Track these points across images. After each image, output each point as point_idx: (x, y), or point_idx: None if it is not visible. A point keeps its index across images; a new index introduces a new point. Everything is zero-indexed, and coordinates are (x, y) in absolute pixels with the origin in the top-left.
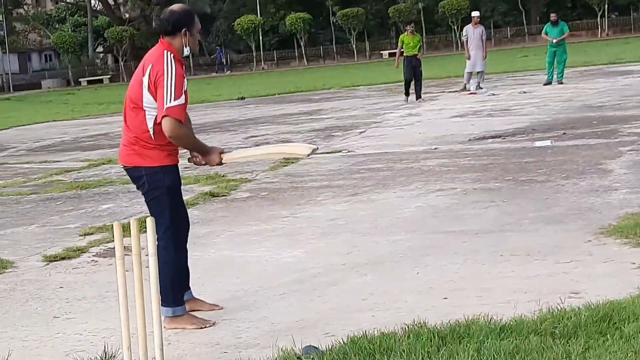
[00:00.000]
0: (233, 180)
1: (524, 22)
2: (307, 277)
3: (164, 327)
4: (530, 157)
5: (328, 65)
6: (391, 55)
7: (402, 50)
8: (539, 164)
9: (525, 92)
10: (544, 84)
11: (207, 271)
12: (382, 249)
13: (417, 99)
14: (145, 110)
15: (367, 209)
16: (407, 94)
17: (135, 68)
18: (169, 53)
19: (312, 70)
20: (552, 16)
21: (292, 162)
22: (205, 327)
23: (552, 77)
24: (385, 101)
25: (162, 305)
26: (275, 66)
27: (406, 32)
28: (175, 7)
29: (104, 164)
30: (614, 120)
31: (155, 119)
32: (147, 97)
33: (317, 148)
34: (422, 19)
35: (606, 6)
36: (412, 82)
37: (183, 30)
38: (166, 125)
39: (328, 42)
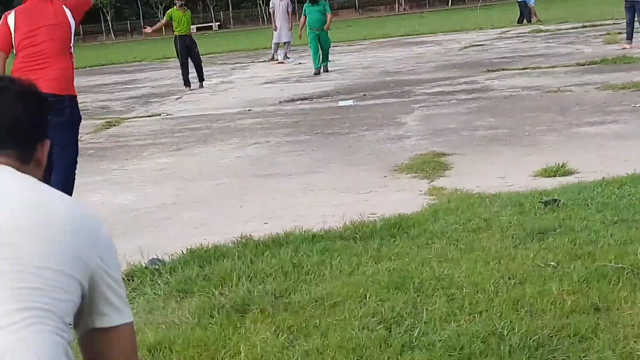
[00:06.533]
0: None
1: None
2: (143, 215)
3: None
4: (335, 115)
5: (136, 39)
6: (199, 29)
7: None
8: (343, 120)
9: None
10: (314, 74)
11: None
12: (208, 191)
13: (200, 83)
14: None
15: (191, 161)
16: (186, 82)
17: None
18: None
19: (120, 44)
20: None
21: (114, 125)
22: None
23: (319, 65)
24: None
25: None
26: (81, 41)
27: (175, 7)
28: None
29: None
30: (408, 83)
31: None
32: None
33: None
34: None
35: None
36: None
37: None
38: None
39: (134, 17)
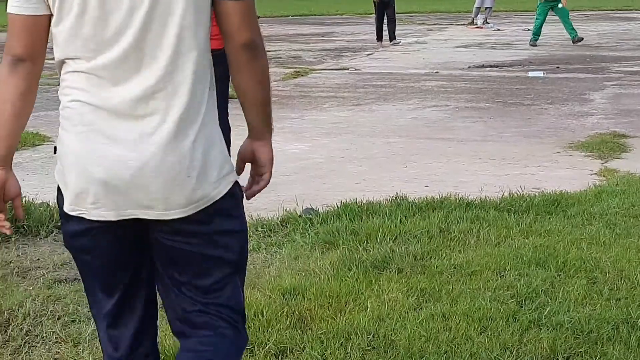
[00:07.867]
0: None
1: None
2: (310, 165)
3: None
4: (522, 85)
5: None
6: None
7: None
8: (528, 91)
9: (529, 30)
10: (576, 42)
11: None
12: (377, 148)
13: (390, 41)
14: None
15: (368, 117)
16: (379, 37)
17: None
18: None
19: None
20: None
21: (302, 75)
22: None
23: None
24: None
25: None
26: None
27: None
28: None
29: None
30: (606, 60)
31: None
32: None
33: None
34: None
35: None
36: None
37: None
38: None
39: None
